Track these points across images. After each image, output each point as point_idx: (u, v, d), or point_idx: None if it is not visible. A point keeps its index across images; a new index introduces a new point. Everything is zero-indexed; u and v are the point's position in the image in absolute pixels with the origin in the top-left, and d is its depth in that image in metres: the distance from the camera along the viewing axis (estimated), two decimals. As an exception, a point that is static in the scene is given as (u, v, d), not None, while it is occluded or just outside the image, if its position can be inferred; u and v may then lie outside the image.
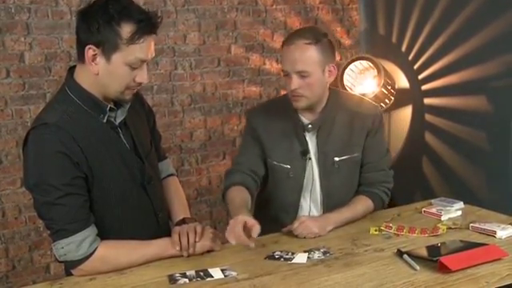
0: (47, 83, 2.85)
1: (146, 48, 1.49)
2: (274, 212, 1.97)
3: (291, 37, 1.80)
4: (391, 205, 2.31)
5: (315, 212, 1.95)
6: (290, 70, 1.76)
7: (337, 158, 1.88)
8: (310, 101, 1.80)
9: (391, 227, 1.78)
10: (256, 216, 1.97)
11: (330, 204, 1.90)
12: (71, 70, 1.60)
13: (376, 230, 1.78)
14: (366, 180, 1.96)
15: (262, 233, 1.64)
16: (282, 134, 1.89)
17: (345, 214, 1.85)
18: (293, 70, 1.75)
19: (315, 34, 1.78)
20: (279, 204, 1.96)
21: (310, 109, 1.85)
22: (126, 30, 1.46)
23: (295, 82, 1.76)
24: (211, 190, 3.34)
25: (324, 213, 1.91)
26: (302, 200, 1.93)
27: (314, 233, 1.74)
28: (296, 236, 1.74)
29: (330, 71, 1.81)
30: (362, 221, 1.90)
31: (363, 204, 1.92)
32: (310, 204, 1.92)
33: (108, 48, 1.47)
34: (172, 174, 1.94)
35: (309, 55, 1.75)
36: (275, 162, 1.91)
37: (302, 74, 1.75)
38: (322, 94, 1.84)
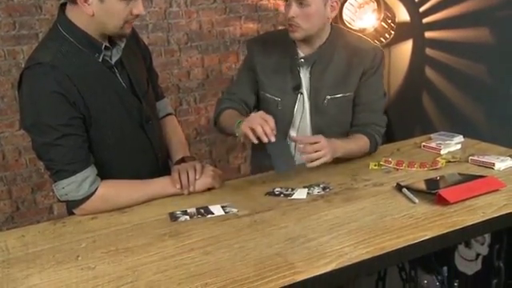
0: (39, 22, 2.78)
1: None
2: (260, 145, 1.90)
3: None
4: (390, 140, 2.31)
5: None
6: None
7: (328, 96, 1.85)
8: (306, 32, 1.76)
9: (391, 162, 1.79)
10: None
11: None
12: (62, 6, 1.54)
13: (375, 165, 1.79)
14: (359, 120, 1.90)
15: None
16: (277, 68, 1.87)
17: (350, 144, 1.81)
18: None
19: None
20: None
21: (307, 41, 1.82)
22: None
23: (293, 9, 1.72)
24: (210, 129, 3.33)
25: None
26: (289, 136, 1.88)
27: (323, 161, 1.64)
28: (294, 173, 1.72)
29: (332, 6, 1.76)
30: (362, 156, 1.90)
31: (362, 141, 1.86)
32: None
33: None
34: (170, 114, 1.93)
35: None
36: (267, 94, 1.90)
37: (302, 3, 1.71)
38: (320, 28, 1.79)
